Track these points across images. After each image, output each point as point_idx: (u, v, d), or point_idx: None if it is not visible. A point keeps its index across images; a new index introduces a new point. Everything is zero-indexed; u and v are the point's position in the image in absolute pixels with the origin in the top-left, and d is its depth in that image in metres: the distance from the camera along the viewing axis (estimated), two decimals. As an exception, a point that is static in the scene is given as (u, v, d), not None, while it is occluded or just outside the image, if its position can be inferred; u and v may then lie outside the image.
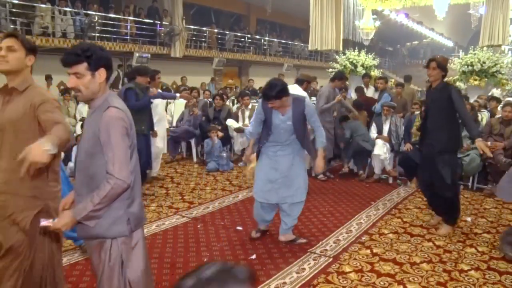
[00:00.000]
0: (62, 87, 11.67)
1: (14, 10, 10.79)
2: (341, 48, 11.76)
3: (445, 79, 4.38)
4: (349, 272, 3.49)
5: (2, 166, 2.34)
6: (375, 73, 10.73)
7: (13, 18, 10.74)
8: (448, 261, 3.70)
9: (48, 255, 2.48)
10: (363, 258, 3.77)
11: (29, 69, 2.51)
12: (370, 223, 4.68)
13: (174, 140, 7.75)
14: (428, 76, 4.28)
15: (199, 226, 4.54)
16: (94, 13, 12.77)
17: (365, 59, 10.84)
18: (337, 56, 12.04)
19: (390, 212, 5.06)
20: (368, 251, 3.92)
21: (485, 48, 9.52)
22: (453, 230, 4.36)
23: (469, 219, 4.82)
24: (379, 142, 6.37)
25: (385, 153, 6.32)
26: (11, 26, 10.65)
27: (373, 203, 5.43)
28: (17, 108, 2.38)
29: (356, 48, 11.20)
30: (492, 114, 7.38)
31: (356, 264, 3.64)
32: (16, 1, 10.88)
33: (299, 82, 5.90)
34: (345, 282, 3.32)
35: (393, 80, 16.06)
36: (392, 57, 32.77)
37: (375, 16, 15.61)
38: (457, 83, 9.36)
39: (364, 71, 10.23)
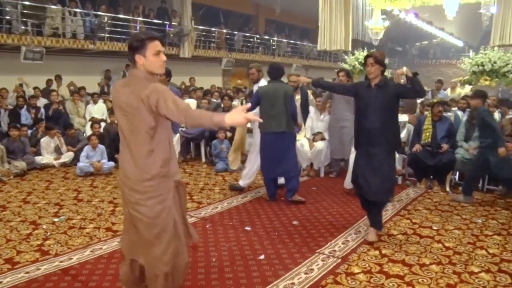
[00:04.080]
0: (71, 87, 11.77)
1: (25, 11, 10.89)
2: (350, 48, 11.72)
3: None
4: (358, 273, 3.47)
5: None
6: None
7: (24, 19, 10.85)
8: (458, 263, 3.67)
9: None
10: (371, 259, 3.75)
11: None
12: (379, 224, 4.66)
13: (187, 141, 7.78)
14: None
15: (207, 226, 4.55)
16: (103, 14, 12.85)
17: (374, 59, 10.79)
18: (346, 57, 12.01)
19: (399, 213, 5.03)
20: (377, 252, 3.90)
21: (496, 48, 9.43)
22: None
23: (479, 220, 4.77)
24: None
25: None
26: (22, 27, 10.76)
27: (382, 204, 5.40)
28: None
29: (365, 48, 11.15)
30: (503, 115, 7.31)
31: (365, 265, 3.62)
32: (27, 3, 11.00)
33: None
34: (353, 283, 3.30)
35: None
36: (402, 57, 32.53)
37: (384, 16, 15.51)
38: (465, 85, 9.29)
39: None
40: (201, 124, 2.42)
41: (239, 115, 2.29)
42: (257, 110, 5.31)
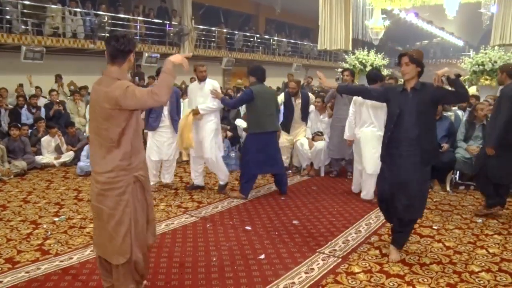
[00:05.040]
0: (71, 87, 11.77)
1: (25, 11, 10.89)
2: (350, 48, 11.70)
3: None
4: (358, 272, 3.47)
5: None
6: (384, 73, 10.65)
7: (24, 18, 10.85)
8: (458, 262, 3.67)
9: None
10: (372, 258, 3.75)
11: None
12: (379, 223, 4.66)
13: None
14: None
15: (208, 225, 4.55)
16: (103, 13, 12.84)
17: (375, 58, 10.78)
18: (346, 56, 11.99)
19: (400, 213, 5.03)
20: (377, 251, 3.90)
21: (496, 48, 9.42)
22: None
23: (480, 220, 4.77)
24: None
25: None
26: (23, 26, 10.75)
27: (382, 203, 5.40)
28: None
29: (366, 47, 11.14)
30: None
31: (365, 264, 3.63)
32: (28, 2, 10.97)
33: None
34: (354, 282, 3.30)
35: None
36: (402, 57, 32.54)
37: (384, 16, 15.50)
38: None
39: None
40: (168, 84, 2.60)
41: (179, 56, 2.70)
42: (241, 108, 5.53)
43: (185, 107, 7.30)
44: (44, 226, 4.55)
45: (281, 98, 7.12)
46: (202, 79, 5.64)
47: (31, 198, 5.62)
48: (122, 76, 2.68)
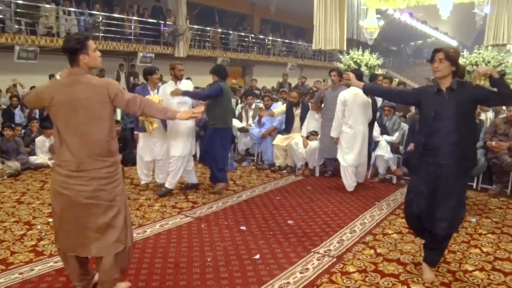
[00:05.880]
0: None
1: (18, 10, 10.83)
2: (345, 48, 11.75)
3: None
4: (353, 272, 3.48)
5: None
6: (378, 72, 10.70)
7: (17, 18, 10.79)
8: (452, 262, 3.68)
9: None
10: (367, 258, 3.76)
11: None
12: (374, 223, 4.68)
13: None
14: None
15: (202, 226, 4.55)
16: (98, 13, 12.80)
17: (369, 58, 10.83)
18: (341, 56, 12.03)
19: (394, 212, 5.05)
20: (372, 251, 3.92)
21: (489, 48, 9.49)
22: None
23: (473, 219, 4.80)
24: (382, 143, 6.35)
25: (389, 153, 6.29)
26: (16, 26, 10.71)
27: (377, 203, 5.42)
28: None
29: (360, 47, 11.18)
30: (497, 114, 7.35)
31: (360, 264, 3.63)
32: (21, 2, 10.92)
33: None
34: (349, 282, 3.31)
35: (397, 79, 16.05)
36: (396, 57, 32.66)
37: (379, 16, 15.56)
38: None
39: (367, 71, 10.21)
40: (154, 115, 2.97)
41: (188, 114, 3.19)
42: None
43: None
44: (38, 227, 4.52)
45: (282, 108, 7.55)
46: (180, 79, 5.65)
47: (25, 198, 5.58)
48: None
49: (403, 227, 4.53)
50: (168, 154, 5.65)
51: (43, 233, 4.32)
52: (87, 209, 2.74)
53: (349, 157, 5.91)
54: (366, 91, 4.17)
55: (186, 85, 5.63)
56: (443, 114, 3.12)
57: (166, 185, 5.67)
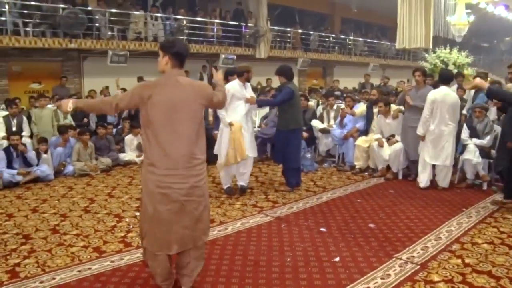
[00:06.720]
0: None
1: (112, 18, 11.79)
2: (430, 46, 11.19)
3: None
4: (438, 281, 3.33)
5: None
6: (468, 71, 10.10)
7: (111, 25, 11.75)
8: (552, 277, 3.39)
9: None
10: (453, 267, 3.58)
11: None
12: (461, 231, 4.43)
13: (263, 141, 7.88)
14: None
15: (282, 226, 4.59)
16: (182, 17, 13.39)
17: (457, 56, 10.26)
18: (426, 55, 11.51)
19: (485, 221, 4.74)
20: (459, 260, 3.71)
21: None
22: None
23: None
24: (470, 146, 6.00)
25: (478, 157, 5.92)
26: (109, 33, 11.65)
27: (464, 210, 5.12)
28: None
29: (447, 45, 10.62)
30: None
31: (446, 273, 3.47)
32: (114, 10, 11.92)
33: (238, 74, 5.74)
34: (434, 291, 3.18)
35: (489, 78, 15.07)
36: (488, 54, 30.50)
37: (469, 10, 14.64)
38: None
39: (456, 70, 9.67)
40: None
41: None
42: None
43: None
44: (127, 219, 4.85)
45: (363, 108, 7.48)
46: (249, 81, 5.83)
47: (115, 193, 6.00)
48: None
49: (495, 237, 4.25)
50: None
51: (131, 226, 4.62)
52: (182, 206, 2.87)
53: (431, 154, 5.93)
54: (489, 94, 4.23)
55: (250, 89, 5.79)
56: None
57: (243, 183, 5.81)
